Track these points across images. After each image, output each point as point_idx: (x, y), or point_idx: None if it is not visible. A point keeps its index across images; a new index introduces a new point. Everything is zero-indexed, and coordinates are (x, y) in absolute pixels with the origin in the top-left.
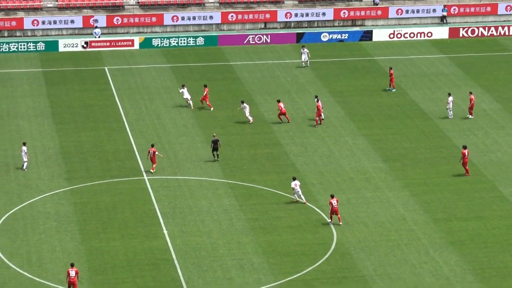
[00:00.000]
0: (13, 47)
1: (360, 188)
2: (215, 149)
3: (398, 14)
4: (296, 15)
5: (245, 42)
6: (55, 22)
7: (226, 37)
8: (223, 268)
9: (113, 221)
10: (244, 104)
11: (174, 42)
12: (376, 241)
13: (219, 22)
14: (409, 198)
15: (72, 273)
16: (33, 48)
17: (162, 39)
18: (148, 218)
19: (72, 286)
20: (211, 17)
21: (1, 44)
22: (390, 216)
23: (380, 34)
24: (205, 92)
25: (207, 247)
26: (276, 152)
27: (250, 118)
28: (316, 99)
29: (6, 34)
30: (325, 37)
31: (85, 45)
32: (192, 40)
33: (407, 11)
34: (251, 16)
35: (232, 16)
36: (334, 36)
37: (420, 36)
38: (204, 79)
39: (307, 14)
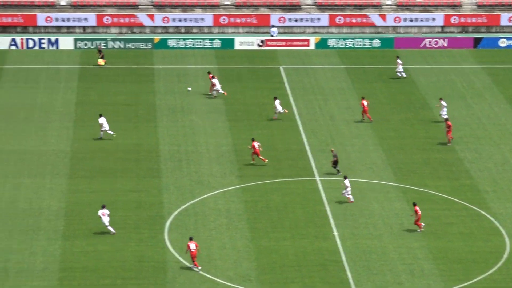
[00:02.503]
0: (190, 44)
1: None
2: (335, 163)
3: None
4: (473, 19)
5: (421, 45)
6: (231, 20)
7: (402, 40)
8: (393, 272)
9: (283, 221)
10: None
11: (350, 44)
12: None
13: (394, 24)
14: None
15: (193, 246)
16: (209, 45)
17: (338, 40)
18: (318, 218)
19: (193, 258)
20: (390, 19)
21: (178, 40)
22: None
23: None
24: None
25: (377, 251)
26: (450, 157)
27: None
28: (444, 119)
29: (183, 30)
30: (503, 43)
31: (261, 44)
32: (368, 42)
33: None
34: (426, 20)
35: (407, 18)
36: None
37: None
38: (378, 81)
39: (484, 19)
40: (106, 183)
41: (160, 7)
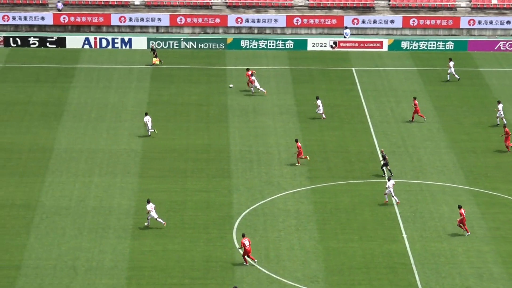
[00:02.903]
0: (262, 45)
1: None
2: (385, 164)
3: None
4: None
5: (495, 48)
6: (304, 21)
7: (476, 43)
8: (462, 275)
9: (352, 222)
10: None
11: (423, 46)
12: None
13: (469, 26)
14: None
15: (246, 242)
16: (281, 46)
17: (411, 42)
18: (388, 221)
19: (247, 254)
20: (464, 22)
21: (251, 41)
22: None
23: None
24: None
25: (446, 254)
26: None
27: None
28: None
29: (256, 31)
30: None
31: (333, 45)
32: (442, 44)
33: None
34: (501, 22)
35: (481, 21)
36: None
37: None
38: (451, 83)
39: None
40: (177, 183)
41: (233, 7)
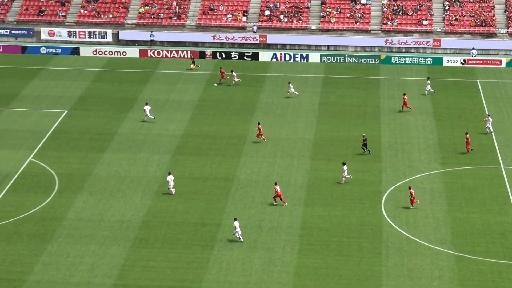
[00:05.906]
0: (408, 61)
1: None
2: (364, 145)
3: None
4: None
5: None
6: (441, 43)
7: None
8: None
9: (474, 199)
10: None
11: None
12: None
13: None
14: None
15: (278, 188)
16: (422, 62)
17: None
18: (501, 198)
19: (278, 196)
20: None
21: (399, 57)
22: None
23: None
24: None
25: None
26: None
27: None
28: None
29: (403, 50)
30: None
31: (463, 62)
32: None
33: None
34: None
35: None
36: None
37: None
38: None
39: None
40: (339, 165)
41: (387, 32)
